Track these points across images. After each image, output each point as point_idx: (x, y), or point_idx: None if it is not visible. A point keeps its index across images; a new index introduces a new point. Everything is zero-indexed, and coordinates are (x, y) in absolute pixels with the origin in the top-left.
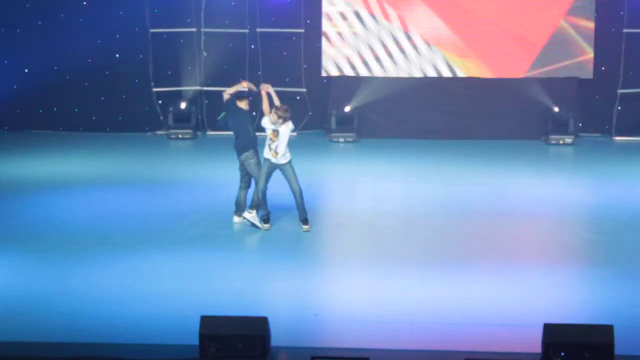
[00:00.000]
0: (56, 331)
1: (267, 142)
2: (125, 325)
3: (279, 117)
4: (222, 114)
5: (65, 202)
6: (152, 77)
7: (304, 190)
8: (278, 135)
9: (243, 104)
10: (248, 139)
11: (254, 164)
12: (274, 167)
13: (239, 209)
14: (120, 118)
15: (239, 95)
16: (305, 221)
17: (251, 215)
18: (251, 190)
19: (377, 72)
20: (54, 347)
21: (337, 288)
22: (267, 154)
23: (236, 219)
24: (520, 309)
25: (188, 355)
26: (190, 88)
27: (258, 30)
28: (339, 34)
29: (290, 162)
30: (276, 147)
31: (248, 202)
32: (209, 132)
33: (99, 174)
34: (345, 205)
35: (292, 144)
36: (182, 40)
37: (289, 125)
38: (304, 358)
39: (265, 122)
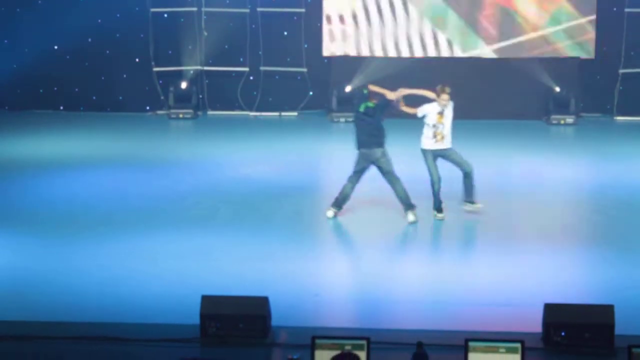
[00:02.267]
0: (56, 311)
1: (430, 130)
2: (126, 305)
3: (449, 94)
4: (370, 104)
5: (66, 182)
6: (153, 56)
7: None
8: (444, 117)
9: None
10: (384, 135)
11: (389, 159)
12: (437, 155)
13: (337, 203)
14: (120, 98)
15: (373, 94)
16: (472, 202)
17: (415, 216)
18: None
19: (378, 52)
20: (54, 327)
21: (337, 268)
22: (429, 144)
23: (330, 213)
24: (520, 288)
25: (189, 334)
26: (190, 68)
27: (259, 9)
28: (340, 13)
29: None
30: (443, 129)
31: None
32: (210, 112)
33: (99, 153)
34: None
35: (292, 124)
36: (182, 19)
37: (451, 104)
38: (304, 338)
39: (428, 108)
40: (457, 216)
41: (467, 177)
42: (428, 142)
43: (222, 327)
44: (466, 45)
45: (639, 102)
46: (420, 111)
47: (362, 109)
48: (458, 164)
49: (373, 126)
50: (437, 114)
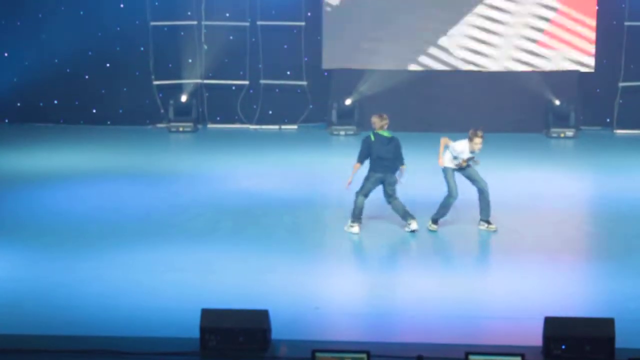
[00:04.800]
0: (57, 324)
1: (455, 162)
2: (126, 318)
3: (482, 138)
4: (383, 133)
5: (66, 195)
6: (153, 70)
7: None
8: (468, 161)
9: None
10: (401, 159)
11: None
12: (456, 171)
13: (359, 218)
14: (120, 111)
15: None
16: (488, 222)
17: (417, 224)
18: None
19: (378, 64)
20: (54, 340)
21: (337, 281)
22: (451, 163)
23: (356, 229)
24: (521, 301)
25: (189, 348)
26: (191, 81)
27: (259, 23)
28: (340, 26)
29: None
30: (466, 164)
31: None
32: (210, 125)
33: (99, 167)
34: (346, 198)
35: (292, 137)
36: (182, 33)
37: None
38: (304, 351)
39: (459, 148)
40: (456, 229)
41: (482, 194)
42: (450, 163)
43: (222, 341)
44: (466, 58)
45: (639, 115)
46: (452, 148)
47: (372, 137)
48: (473, 180)
49: (390, 151)
50: (463, 160)
